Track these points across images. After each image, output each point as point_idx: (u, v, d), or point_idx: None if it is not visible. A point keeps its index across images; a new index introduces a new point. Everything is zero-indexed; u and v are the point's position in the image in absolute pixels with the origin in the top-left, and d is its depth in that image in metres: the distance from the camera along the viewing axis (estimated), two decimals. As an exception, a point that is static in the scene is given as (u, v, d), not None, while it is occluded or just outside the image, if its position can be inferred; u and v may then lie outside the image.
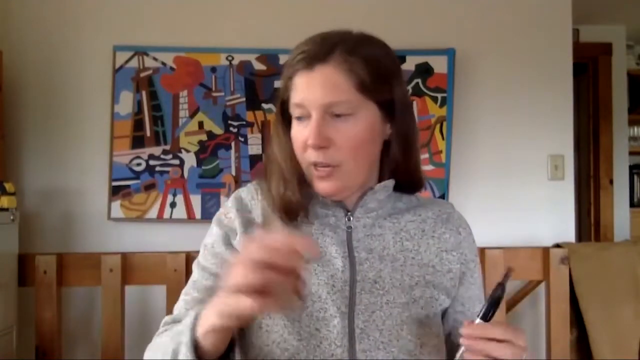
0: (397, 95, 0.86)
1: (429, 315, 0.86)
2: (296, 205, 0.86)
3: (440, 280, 0.88)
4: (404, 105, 0.89)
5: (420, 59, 2.20)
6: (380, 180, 0.90)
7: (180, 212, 2.14)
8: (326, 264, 0.85)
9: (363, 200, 0.88)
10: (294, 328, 0.82)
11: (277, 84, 2.16)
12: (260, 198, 0.91)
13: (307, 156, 0.84)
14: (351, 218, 0.88)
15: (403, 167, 0.90)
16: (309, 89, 0.82)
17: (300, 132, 0.84)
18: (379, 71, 0.84)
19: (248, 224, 0.89)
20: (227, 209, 0.92)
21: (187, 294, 0.91)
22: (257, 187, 0.93)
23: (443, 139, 2.19)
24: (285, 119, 0.88)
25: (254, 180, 0.97)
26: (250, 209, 0.90)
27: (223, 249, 0.89)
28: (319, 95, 0.81)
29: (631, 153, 3.74)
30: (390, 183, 0.90)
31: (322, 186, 0.84)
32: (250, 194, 0.92)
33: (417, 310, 0.85)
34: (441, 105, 2.20)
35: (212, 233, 0.92)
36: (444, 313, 0.92)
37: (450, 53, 2.20)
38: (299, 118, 0.84)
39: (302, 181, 0.87)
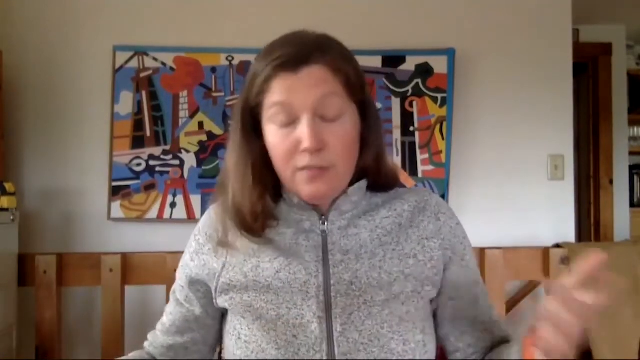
0: (367, 97, 0.87)
1: (410, 311, 0.83)
2: (252, 221, 0.84)
3: (422, 270, 0.86)
4: (374, 108, 0.89)
5: (420, 59, 2.20)
6: (350, 182, 0.89)
7: (180, 212, 2.14)
8: (300, 270, 0.84)
9: (336, 204, 0.87)
10: (271, 337, 0.81)
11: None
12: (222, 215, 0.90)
13: (297, 161, 0.81)
14: (326, 222, 0.87)
15: (375, 170, 0.90)
16: (295, 90, 0.79)
17: (286, 138, 0.81)
18: (356, 70, 0.84)
19: (218, 245, 0.89)
20: (198, 230, 0.94)
21: (165, 313, 0.98)
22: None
23: (443, 139, 2.19)
24: (248, 128, 0.85)
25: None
26: (217, 226, 0.90)
27: (183, 276, 0.94)
28: (308, 94, 0.79)
29: (631, 153, 3.74)
30: (363, 184, 0.89)
31: (310, 188, 0.82)
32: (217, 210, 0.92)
33: (398, 307, 0.83)
34: (441, 105, 2.20)
35: (184, 257, 0.95)
36: (438, 304, 0.91)
37: (450, 53, 2.20)
38: (282, 123, 0.81)
39: (268, 192, 0.86)
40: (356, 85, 0.84)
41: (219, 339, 0.96)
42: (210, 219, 0.93)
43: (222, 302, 0.88)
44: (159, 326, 0.97)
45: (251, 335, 0.83)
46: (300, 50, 0.80)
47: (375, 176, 0.90)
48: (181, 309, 0.94)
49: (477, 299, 0.92)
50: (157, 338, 0.97)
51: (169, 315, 0.96)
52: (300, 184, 0.82)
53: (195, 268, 0.91)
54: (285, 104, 0.80)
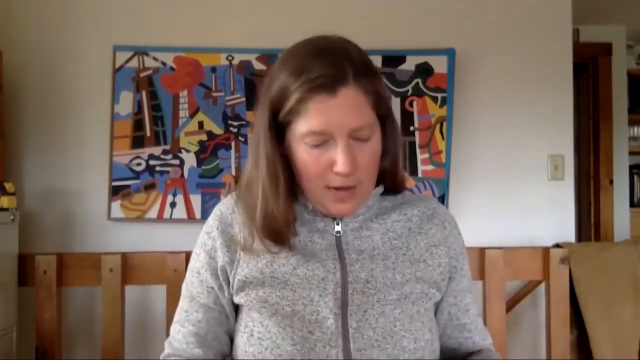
0: (390, 109, 0.89)
1: (420, 311, 0.87)
2: (284, 228, 0.85)
3: (431, 275, 0.90)
4: (394, 117, 0.91)
5: (420, 59, 2.20)
6: None
7: (180, 212, 2.14)
8: (317, 267, 0.85)
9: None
10: (287, 333, 0.82)
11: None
12: (239, 213, 0.91)
13: (329, 181, 0.83)
14: (340, 223, 0.89)
15: (391, 174, 0.93)
16: (333, 115, 0.79)
17: (319, 157, 0.82)
18: (382, 85, 0.86)
19: (230, 241, 0.90)
20: (210, 227, 0.93)
21: (183, 325, 0.92)
22: (237, 200, 0.93)
23: (443, 139, 2.19)
24: (276, 139, 0.85)
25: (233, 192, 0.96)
26: (231, 222, 0.91)
27: (208, 276, 0.90)
28: (346, 120, 0.80)
29: (631, 153, 3.74)
30: (379, 190, 0.92)
31: (340, 208, 0.85)
32: (229, 207, 0.93)
33: (409, 306, 0.85)
34: (441, 105, 2.20)
35: (199, 259, 0.93)
36: (437, 307, 0.94)
37: (450, 53, 2.20)
38: (316, 144, 0.82)
39: (289, 199, 0.86)
40: (382, 102, 0.85)
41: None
42: (222, 214, 0.93)
43: (238, 299, 0.89)
44: (190, 338, 0.91)
45: (265, 332, 0.83)
46: (336, 71, 0.79)
47: (390, 181, 0.93)
48: (212, 313, 0.91)
49: (469, 307, 0.97)
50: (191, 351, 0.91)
51: (199, 323, 0.91)
52: (329, 202, 0.85)
53: (219, 260, 0.90)
54: (324, 128, 0.80)
